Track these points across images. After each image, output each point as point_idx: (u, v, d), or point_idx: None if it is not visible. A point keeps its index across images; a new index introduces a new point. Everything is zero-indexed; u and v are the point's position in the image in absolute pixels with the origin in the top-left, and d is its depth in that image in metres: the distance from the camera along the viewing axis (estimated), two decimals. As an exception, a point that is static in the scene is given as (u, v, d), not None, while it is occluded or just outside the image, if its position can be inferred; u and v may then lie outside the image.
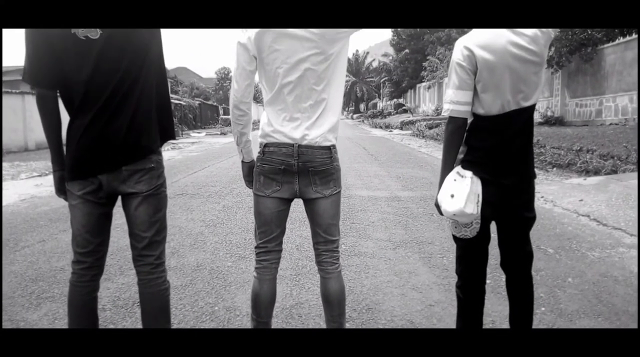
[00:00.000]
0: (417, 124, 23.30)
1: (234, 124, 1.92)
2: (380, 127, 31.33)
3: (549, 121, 15.83)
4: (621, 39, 13.45)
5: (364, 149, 14.55)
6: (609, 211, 5.16)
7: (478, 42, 1.80)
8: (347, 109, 64.09)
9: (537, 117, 16.19)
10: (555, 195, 6.20)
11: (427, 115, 29.04)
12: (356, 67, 61.76)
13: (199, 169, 10.09)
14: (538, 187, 6.79)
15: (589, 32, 13.97)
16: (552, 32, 1.88)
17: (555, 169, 8.71)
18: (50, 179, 7.60)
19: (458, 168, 1.90)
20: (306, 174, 1.87)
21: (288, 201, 1.95)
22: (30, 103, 15.35)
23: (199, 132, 29.79)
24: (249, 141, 1.97)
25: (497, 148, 1.88)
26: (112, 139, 1.71)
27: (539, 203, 5.70)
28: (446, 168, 1.93)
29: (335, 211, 1.96)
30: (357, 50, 64.10)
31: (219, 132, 29.64)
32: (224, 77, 51.07)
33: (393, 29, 44.30)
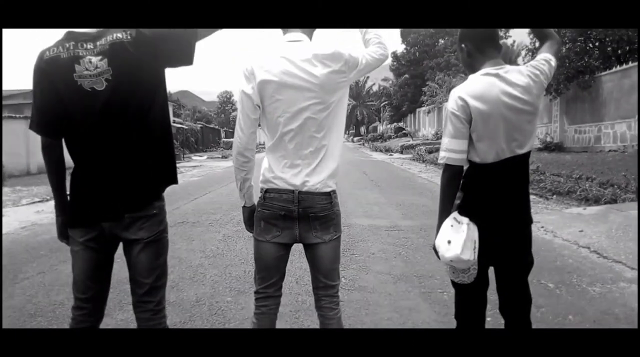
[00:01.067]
0: (417, 148, 23.44)
1: (238, 171, 1.95)
2: (381, 151, 31.48)
3: (549, 147, 15.92)
4: (618, 67, 13.64)
5: (365, 173, 14.60)
6: (609, 243, 5.16)
7: (472, 92, 1.85)
8: (347, 132, 64.48)
9: (536, 142, 16.30)
10: (556, 225, 6.20)
11: (427, 140, 29.19)
12: (356, 91, 62.40)
13: (200, 195, 10.12)
14: (538, 217, 6.83)
15: (586, 60, 14.18)
16: (544, 82, 1.93)
17: (555, 196, 8.73)
18: (51, 205, 7.60)
19: (455, 214, 1.93)
20: (306, 219, 1.89)
21: (288, 246, 1.96)
22: (34, 128, 15.43)
23: (200, 156, 29.96)
24: (251, 187, 2.00)
25: (494, 195, 1.91)
26: (115, 188, 1.74)
27: (539, 233, 5.70)
28: (443, 213, 1.95)
29: (335, 256, 1.98)
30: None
31: (220, 156, 29.79)
32: (226, 101, 51.66)
33: (392, 54, 44.92)
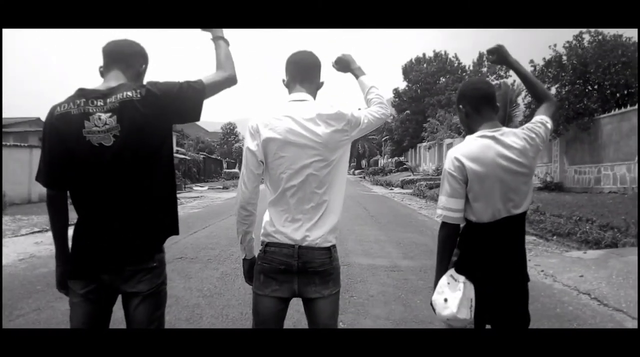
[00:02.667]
0: (418, 183, 23.52)
1: (240, 224, 1.98)
2: (381, 185, 31.55)
3: (549, 187, 15.96)
4: (617, 110, 13.84)
5: (365, 209, 14.60)
6: (609, 290, 5.12)
7: (468, 154, 1.90)
8: (349, 165, 64.74)
9: (536, 182, 16.36)
10: (556, 269, 6.16)
11: (428, 175, 29.31)
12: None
13: (200, 228, 10.11)
14: (538, 260, 6.80)
15: (585, 103, 14.40)
16: (540, 145, 1.99)
17: (555, 237, 8.71)
18: (50, 236, 7.57)
19: (452, 271, 1.94)
20: (306, 274, 1.91)
21: (287, 300, 1.97)
22: (37, 156, 15.58)
23: (201, 186, 30.04)
24: (252, 240, 2.03)
25: (490, 253, 1.93)
26: (118, 240, 1.77)
27: (539, 277, 5.67)
28: (441, 270, 1.97)
29: (333, 311, 1.98)
30: (360, 109, 65.53)
31: (221, 187, 29.87)
32: (229, 132, 52.21)
33: (394, 91, 45.65)
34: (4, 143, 16.13)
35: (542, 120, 2.04)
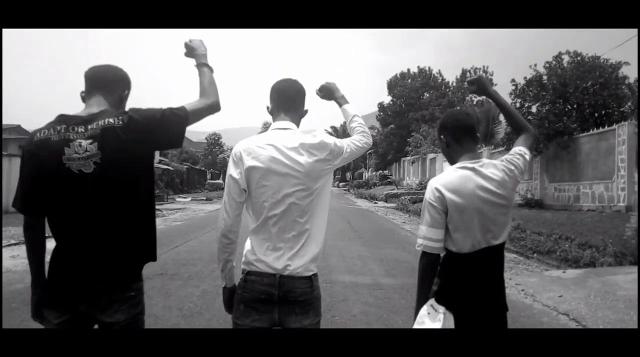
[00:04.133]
0: (402, 197, 23.67)
1: (220, 252, 1.96)
2: (366, 198, 31.67)
3: (529, 203, 16.21)
4: (595, 130, 14.17)
5: (349, 223, 14.62)
6: (587, 311, 5.19)
7: (448, 185, 1.92)
8: (334, 178, 64.96)
9: (517, 198, 16.60)
10: (535, 288, 6.23)
11: (411, 189, 29.53)
12: (343, 137, 63.13)
13: (182, 242, 9.99)
14: (519, 278, 6.88)
15: (565, 122, 14.72)
16: (519, 177, 2.02)
17: (536, 255, 8.83)
18: (27, 250, 7.39)
19: (432, 301, 1.96)
20: (287, 303, 1.90)
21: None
22: (15, 165, 15.27)
23: (184, 197, 29.75)
24: (233, 267, 2.01)
25: (469, 283, 1.95)
26: (95, 269, 1.74)
27: (519, 297, 5.72)
28: (421, 299, 1.98)
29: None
30: (345, 122, 65.99)
31: (204, 198, 29.62)
32: (214, 143, 51.97)
33: (379, 105, 46.09)
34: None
35: (520, 151, 2.08)
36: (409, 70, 45.48)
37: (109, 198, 1.75)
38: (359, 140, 2.18)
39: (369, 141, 2.22)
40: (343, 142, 2.08)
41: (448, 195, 1.90)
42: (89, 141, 1.72)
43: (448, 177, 1.96)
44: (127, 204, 1.78)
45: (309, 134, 2.00)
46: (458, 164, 2.00)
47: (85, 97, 1.91)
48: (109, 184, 1.74)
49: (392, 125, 43.34)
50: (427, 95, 42.80)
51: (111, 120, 1.75)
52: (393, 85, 45.06)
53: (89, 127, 1.74)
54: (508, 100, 17.70)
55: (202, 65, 2.12)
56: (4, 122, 17.13)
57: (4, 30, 2.01)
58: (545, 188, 16.71)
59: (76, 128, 1.74)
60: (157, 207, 18.78)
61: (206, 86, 2.06)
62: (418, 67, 45.25)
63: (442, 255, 1.99)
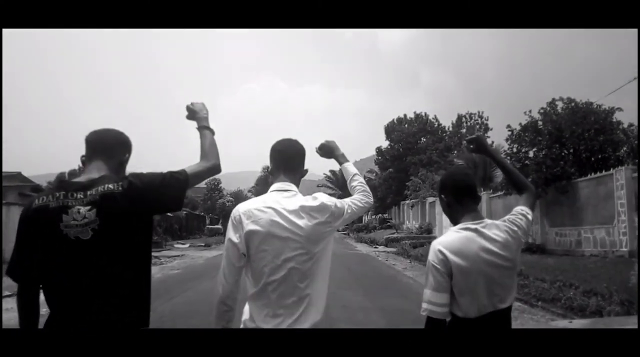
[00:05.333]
0: (402, 241, 23.45)
1: (218, 320, 1.91)
2: (366, 242, 31.33)
3: (530, 248, 16.06)
4: (593, 175, 14.24)
5: (349, 270, 14.39)
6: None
7: (451, 247, 1.90)
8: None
9: (519, 243, 16.40)
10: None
11: (412, 233, 29.34)
12: (342, 180, 63.66)
13: (179, 292, 9.80)
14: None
15: (562, 167, 14.82)
16: (522, 238, 2.00)
17: (540, 303, 8.64)
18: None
19: None
20: None
21: None
22: (15, 213, 15.20)
23: (183, 243, 29.44)
24: None
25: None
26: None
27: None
28: None
29: None
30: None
31: (203, 244, 29.34)
32: (213, 188, 52.04)
33: (377, 149, 46.59)
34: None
35: (522, 211, 2.07)
36: (405, 116, 46.32)
37: (105, 265, 1.72)
38: (359, 200, 2.18)
39: (369, 201, 2.22)
40: (344, 203, 2.07)
41: (452, 257, 1.87)
42: (88, 208, 1.71)
43: (451, 239, 1.94)
44: (123, 270, 1.75)
45: (309, 196, 2.00)
46: (460, 225, 1.98)
47: (86, 161, 1.91)
48: (106, 251, 1.72)
49: (390, 169, 43.62)
50: (424, 139, 43.36)
51: (111, 186, 1.75)
52: (390, 130, 45.73)
53: (88, 193, 1.74)
54: (505, 145, 17.98)
55: (204, 128, 2.14)
56: (5, 169, 17.19)
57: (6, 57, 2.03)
58: (546, 233, 16.60)
59: (75, 194, 1.74)
60: (154, 254, 18.57)
61: (207, 149, 2.07)
62: (414, 112, 46.11)
63: (447, 320, 1.93)
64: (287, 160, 2.08)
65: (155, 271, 14.02)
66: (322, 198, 1.98)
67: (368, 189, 2.26)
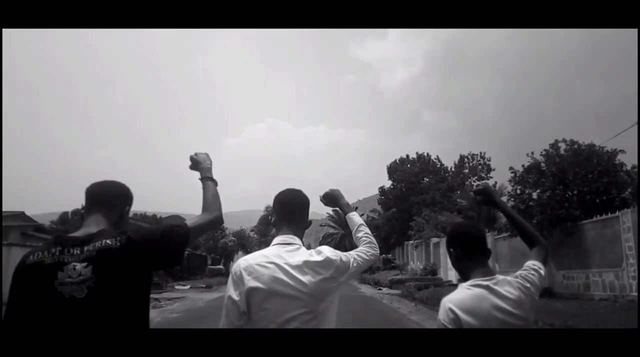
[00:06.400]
0: (407, 283, 23.04)
1: None
2: (369, 284, 30.78)
3: (539, 291, 15.72)
4: (598, 217, 14.08)
5: (354, 314, 14.04)
6: None
7: (462, 306, 1.82)
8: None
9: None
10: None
11: (416, 274, 28.85)
12: (345, 220, 63.22)
13: (178, 337, 9.52)
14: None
15: (567, 208, 14.69)
16: (535, 295, 1.92)
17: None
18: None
19: None
20: None
21: None
22: (16, 255, 15.08)
23: (183, 285, 28.98)
24: None
25: None
26: None
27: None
28: None
29: None
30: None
31: (204, 285, 28.88)
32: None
33: (380, 189, 46.60)
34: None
35: (534, 266, 2.00)
36: (407, 156, 46.54)
37: (99, 324, 1.65)
38: (365, 252, 2.11)
39: (376, 253, 2.16)
40: (349, 257, 2.01)
41: (463, 316, 1.79)
42: (84, 264, 1.66)
43: (462, 297, 1.86)
44: (119, 329, 1.68)
45: (313, 250, 1.94)
46: (471, 282, 1.91)
47: (85, 214, 1.88)
48: (102, 308, 1.66)
49: (393, 209, 43.43)
50: (427, 179, 43.38)
51: (109, 241, 1.70)
52: (393, 170, 45.86)
53: (85, 248, 1.69)
54: (508, 187, 17.92)
55: (207, 179, 2.11)
56: (6, 208, 17.12)
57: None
58: (553, 275, 16.28)
59: (72, 250, 1.69)
60: (154, 296, 18.24)
61: (209, 201, 2.04)
62: (417, 153, 46.35)
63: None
64: (290, 213, 2.04)
65: (155, 315, 13.71)
66: (327, 252, 1.92)
67: (374, 240, 2.20)
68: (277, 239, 1.98)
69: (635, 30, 2.19)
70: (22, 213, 26.27)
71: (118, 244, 1.70)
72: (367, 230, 2.27)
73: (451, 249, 2.05)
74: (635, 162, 15.12)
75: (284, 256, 1.87)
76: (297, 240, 1.96)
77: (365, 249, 2.14)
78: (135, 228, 1.80)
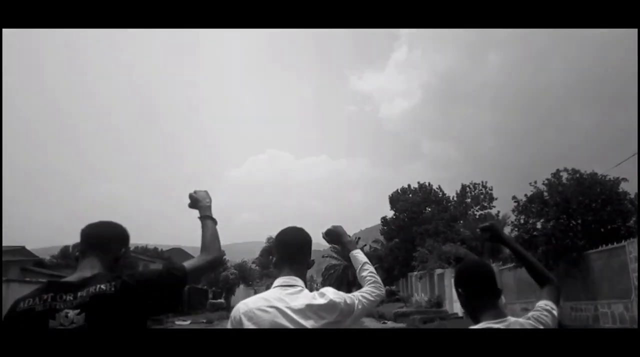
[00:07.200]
0: (412, 316, 22.58)
1: None
2: (373, 317, 30.16)
3: (547, 324, 15.37)
4: (604, 247, 13.89)
5: (356, 349, 13.68)
6: None
7: None
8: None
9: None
10: None
11: (421, 306, 28.33)
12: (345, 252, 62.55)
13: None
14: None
15: (571, 238, 14.51)
16: (551, 323, 1.84)
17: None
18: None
19: None
20: None
21: None
22: (15, 291, 14.88)
23: (184, 320, 28.46)
24: None
25: None
26: None
27: None
28: None
29: None
30: (350, 235, 65.62)
31: (204, 320, 28.34)
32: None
33: (382, 219, 46.36)
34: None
35: (547, 307, 1.92)
36: (409, 185, 46.49)
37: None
38: (370, 292, 2.04)
39: (381, 293, 2.09)
40: (354, 299, 1.93)
41: None
42: (77, 311, 1.60)
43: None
44: None
45: (316, 292, 1.87)
46: (482, 324, 1.83)
47: (79, 257, 1.82)
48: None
49: (396, 239, 43.04)
50: (429, 209, 43.17)
51: (103, 286, 1.64)
52: (395, 200, 45.73)
53: (79, 294, 1.63)
54: (511, 216, 17.77)
55: (206, 218, 2.06)
56: (6, 243, 17.05)
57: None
58: (560, 307, 15.90)
59: (64, 296, 1.63)
60: (154, 332, 17.84)
61: (208, 241, 1.98)
62: (418, 182, 46.31)
63: None
64: (292, 253, 1.98)
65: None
66: (331, 294, 1.85)
67: (379, 279, 2.13)
68: (279, 281, 1.91)
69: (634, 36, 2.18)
70: (23, 248, 26.11)
71: (112, 289, 1.64)
72: (372, 269, 2.20)
73: (460, 290, 1.97)
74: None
75: (286, 299, 1.80)
76: (299, 281, 1.90)
77: (370, 289, 2.06)
78: (130, 273, 1.74)
